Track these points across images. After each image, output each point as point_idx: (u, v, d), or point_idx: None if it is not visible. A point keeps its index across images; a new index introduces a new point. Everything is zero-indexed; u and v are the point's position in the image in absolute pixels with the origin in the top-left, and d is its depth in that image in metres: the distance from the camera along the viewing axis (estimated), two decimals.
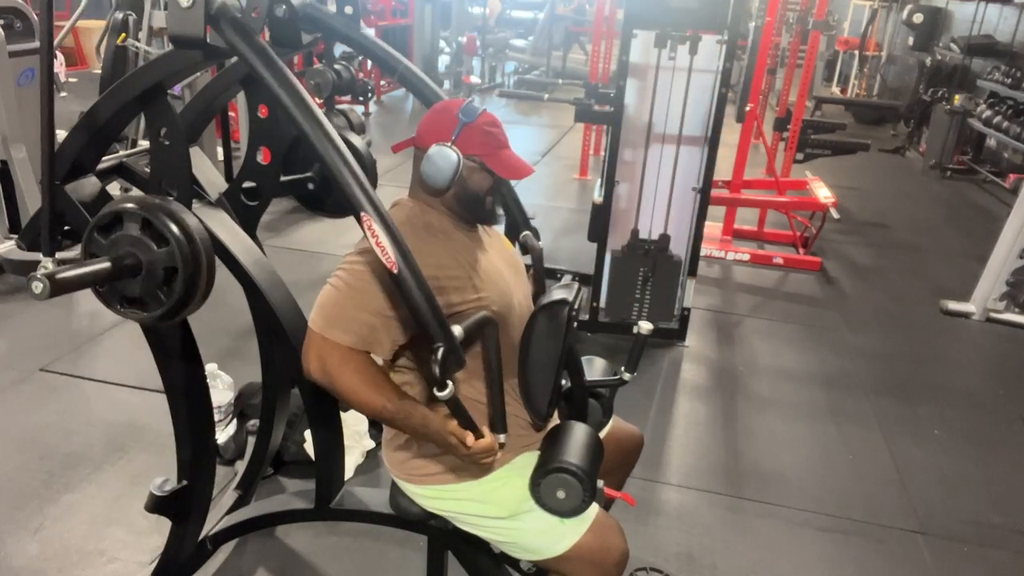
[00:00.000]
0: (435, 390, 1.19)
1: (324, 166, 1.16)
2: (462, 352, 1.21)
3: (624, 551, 1.44)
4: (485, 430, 1.33)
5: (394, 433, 1.49)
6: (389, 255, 1.14)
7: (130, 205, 1.19)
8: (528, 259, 1.64)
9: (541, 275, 1.61)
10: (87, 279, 1.14)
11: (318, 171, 1.94)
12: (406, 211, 1.41)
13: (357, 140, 1.92)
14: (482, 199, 1.41)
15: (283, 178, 1.98)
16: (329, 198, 1.97)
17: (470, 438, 1.30)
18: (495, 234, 1.58)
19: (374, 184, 1.94)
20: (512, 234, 1.67)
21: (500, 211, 1.52)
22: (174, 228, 1.18)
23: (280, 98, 1.15)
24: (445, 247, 1.37)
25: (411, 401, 1.33)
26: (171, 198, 1.36)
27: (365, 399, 1.30)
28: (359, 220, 1.15)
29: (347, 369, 1.28)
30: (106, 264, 1.16)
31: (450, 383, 1.19)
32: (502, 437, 1.37)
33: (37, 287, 1.06)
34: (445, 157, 1.32)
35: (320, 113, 1.17)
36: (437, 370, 1.17)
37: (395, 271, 1.15)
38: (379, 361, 1.37)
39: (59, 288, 1.08)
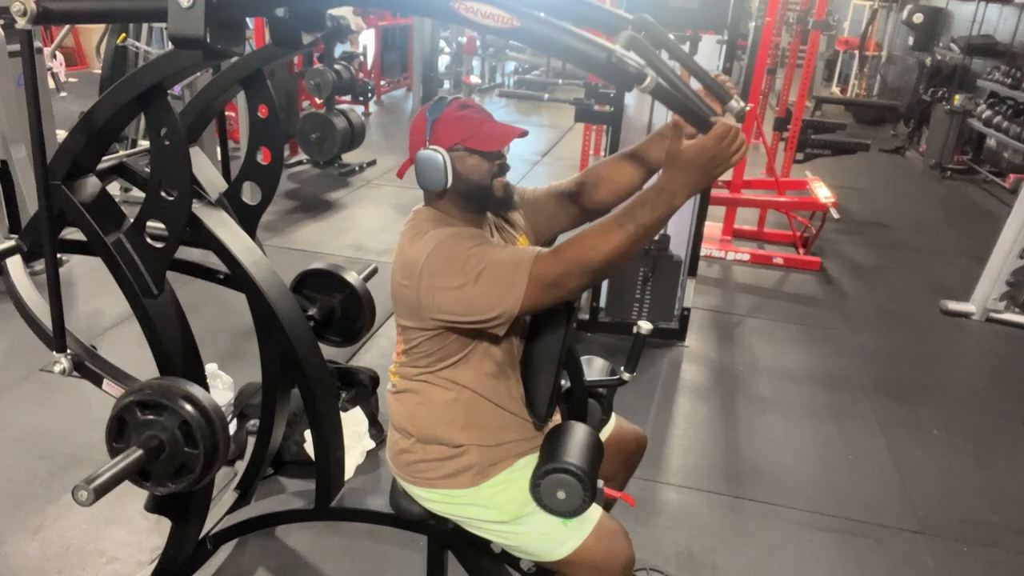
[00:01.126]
0: (637, 86, 1.02)
1: None
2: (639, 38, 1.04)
3: (629, 557, 1.44)
4: (712, 118, 1.12)
5: (399, 436, 1.49)
6: (503, 15, 0.99)
7: (123, 402, 1.29)
8: None
9: (689, 62, 1.49)
10: (126, 472, 1.23)
11: (321, 308, 2.00)
12: (432, 214, 1.39)
13: (353, 278, 2.01)
14: (487, 185, 1.37)
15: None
16: (328, 331, 2.05)
17: (717, 122, 1.10)
18: (510, 235, 1.55)
19: (371, 323, 2.03)
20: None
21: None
22: (161, 399, 1.28)
23: None
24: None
25: (628, 202, 1.19)
26: (170, 199, 1.36)
27: (612, 245, 1.17)
28: (453, 11, 1.00)
29: (567, 257, 1.19)
30: (139, 452, 1.25)
31: (648, 71, 1.02)
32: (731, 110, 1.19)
33: (82, 496, 1.16)
34: (429, 159, 1.32)
35: None
36: (631, 68, 1.01)
37: (518, 24, 0.99)
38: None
39: (102, 492, 1.18)
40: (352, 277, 2.00)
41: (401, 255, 1.35)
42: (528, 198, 1.57)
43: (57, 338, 1.46)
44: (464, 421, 1.42)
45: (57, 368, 1.47)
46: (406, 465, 1.48)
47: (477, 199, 1.38)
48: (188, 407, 1.27)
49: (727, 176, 4.88)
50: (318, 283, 2.01)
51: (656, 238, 3.33)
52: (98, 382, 1.52)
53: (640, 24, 1.14)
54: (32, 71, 1.22)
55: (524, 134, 1.35)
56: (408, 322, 1.38)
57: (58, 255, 2.40)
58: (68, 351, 1.49)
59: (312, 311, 1.97)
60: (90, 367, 1.53)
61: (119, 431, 1.30)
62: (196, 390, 1.30)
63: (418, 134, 1.36)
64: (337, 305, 2.01)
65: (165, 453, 1.28)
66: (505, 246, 1.28)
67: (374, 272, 2.15)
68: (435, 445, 1.43)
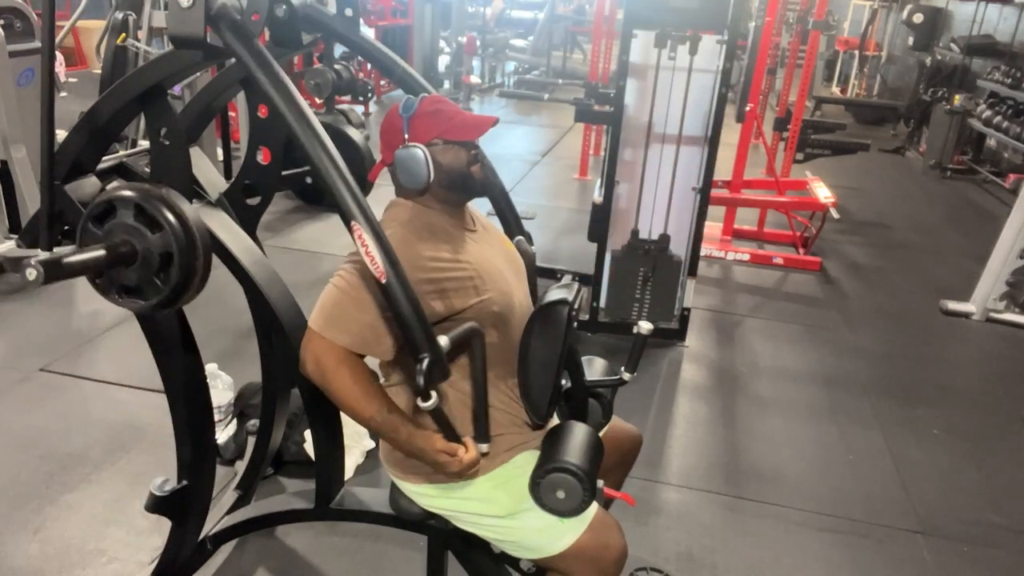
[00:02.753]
0: (419, 400, 1.20)
1: (315, 171, 1.16)
2: (447, 364, 1.22)
3: (623, 549, 1.44)
4: (468, 441, 1.35)
5: None
6: (379, 265, 1.15)
7: (124, 193, 1.18)
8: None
9: (533, 280, 1.61)
10: (81, 266, 1.13)
11: None
12: (408, 211, 1.41)
13: (356, 134, 1.93)
14: (467, 173, 1.40)
15: (282, 172, 1.99)
16: (328, 192, 1.98)
17: (461, 450, 1.32)
18: (495, 232, 1.58)
19: (369, 186, 1.96)
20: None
21: (496, 180, 1.54)
22: (168, 214, 1.16)
23: (274, 101, 1.15)
24: (447, 247, 1.37)
25: (400, 416, 1.34)
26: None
27: (356, 404, 1.31)
28: (349, 229, 1.16)
29: (343, 371, 1.29)
30: (100, 252, 1.15)
31: (434, 394, 1.20)
32: (484, 447, 1.38)
33: (31, 273, 1.05)
34: (409, 156, 1.34)
35: (313, 118, 1.17)
36: (422, 381, 1.17)
37: (383, 281, 1.15)
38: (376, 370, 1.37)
39: (53, 275, 1.07)
40: (351, 131, 1.96)
41: None
42: None
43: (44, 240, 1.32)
44: (459, 416, 1.41)
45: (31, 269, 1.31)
46: (397, 461, 1.48)
47: (459, 187, 1.42)
48: (134, 193, 1.16)
49: (727, 176, 4.88)
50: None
51: (656, 238, 3.33)
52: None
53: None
54: (51, 91, 1.21)
55: (497, 121, 1.42)
56: None
57: None
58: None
59: (307, 168, 1.93)
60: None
61: (101, 216, 1.19)
62: (139, 183, 1.21)
63: (394, 134, 1.38)
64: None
65: (137, 253, 1.17)
66: (375, 305, 1.30)
67: (368, 137, 2.09)
68: (414, 458, 1.43)
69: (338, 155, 1.17)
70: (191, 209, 1.20)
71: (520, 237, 1.64)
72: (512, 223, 1.67)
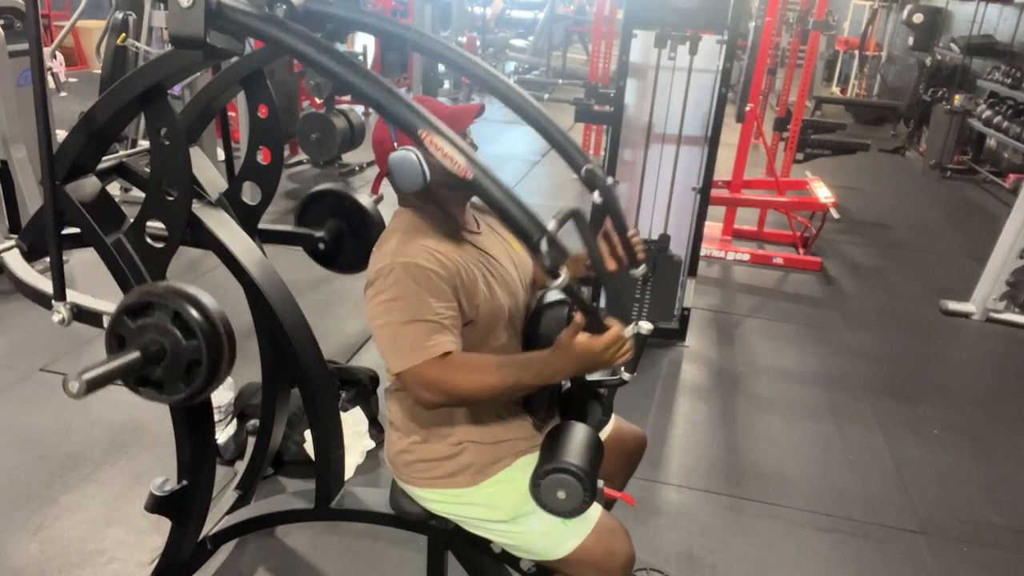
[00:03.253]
0: (549, 281, 1.12)
1: (368, 101, 1.11)
2: (563, 243, 1.14)
3: (630, 555, 1.44)
4: (610, 320, 1.26)
5: (397, 436, 1.49)
6: (459, 163, 1.08)
7: (163, 294, 1.21)
8: (596, 197, 1.48)
9: (617, 212, 1.53)
10: (119, 372, 1.17)
11: (330, 230, 1.96)
12: (409, 219, 1.40)
13: (365, 200, 1.96)
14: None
15: (295, 229, 2.01)
16: (339, 257, 2.01)
17: (614, 327, 1.23)
18: (500, 233, 1.56)
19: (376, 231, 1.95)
20: (572, 169, 1.54)
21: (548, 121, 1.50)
22: (204, 323, 1.19)
23: (308, 55, 1.10)
24: (454, 249, 1.36)
25: (521, 357, 1.31)
26: (170, 200, 1.36)
27: (486, 384, 1.27)
28: (418, 138, 1.09)
29: (452, 374, 1.27)
30: (136, 355, 1.19)
31: (564, 270, 1.12)
32: (630, 329, 1.30)
33: (73, 387, 1.09)
34: (402, 159, 1.31)
35: (352, 59, 1.14)
36: (547, 262, 1.10)
37: (470, 176, 1.08)
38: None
39: (94, 386, 1.11)
40: (362, 198, 1.96)
41: (373, 256, 1.38)
42: None
43: (57, 286, 1.40)
44: (463, 419, 1.42)
45: (56, 318, 1.41)
46: (404, 465, 1.48)
47: (459, 184, 1.39)
48: (177, 299, 1.20)
49: (727, 176, 4.89)
50: (325, 205, 1.96)
51: (656, 238, 3.33)
52: (100, 322, 1.44)
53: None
54: (43, 92, 1.21)
55: (482, 109, 1.41)
56: None
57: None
58: (67, 300, 1.43)
59: (321, 234, 1.93)
60: (88, 309, 1.46)
61: (119, 347, 1.23)
62: (183, 285, 1.24)
63: (383, 141, 1.37)
64: (346, 226, 1.96)
65: (167, 355, 1.21)
66: (424, 305, 1.28)
67: (380, 199, 2.09)
68: (433, 444, 1.44)
69: (386, 81, 1.13)
70: (221, 313, 1.24)
71: (589, 165, 1.51)
72: (574, 153, 1.55)
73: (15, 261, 1.63)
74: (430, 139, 1.08)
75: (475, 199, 1.48)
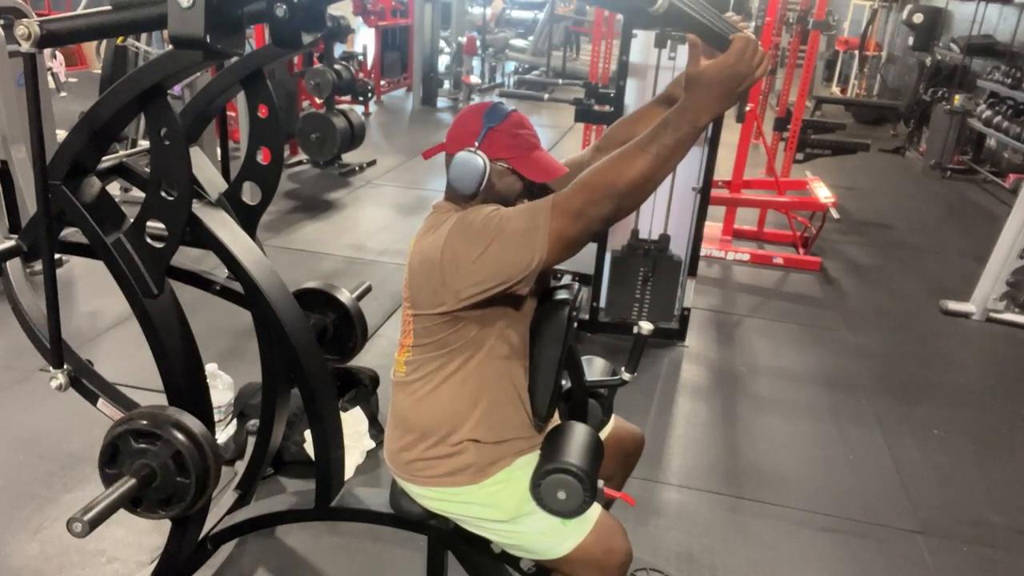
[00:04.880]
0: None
1: None
2: None
3: (628, 553, 1.44)
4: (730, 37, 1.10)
5: (397, 434, 1.49)
6: None
7: (116, 431, 1.31)
8: None
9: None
10: (119, 502, 1.25)
11: (313, 325, 2.01)
12: (454, 208, 1.38)
13: (346, 297, 2.01)
14: (513, 202, 1.38)
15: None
16: (322, 348, 2.04)
17: (734, 37, 1.08)
18: None
19: (363, 342, 2.04)
20: None
21: None
22: (156, 429, 1.30)
23: None
24: None
25: (650, 128, 1.16)
26: (170, 199, 1.36)
27: (636, 169, 1.14)
28: None
29: (591, 186, 1.16)
30: (132, 481, 1.28)
31: None
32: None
33: (77, 527, 1.17)
34: (470, 163, 1.31)
35: None
36: None
37: None
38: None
39: (97, 523, 1.19)
40: (344, 296, 2.01)
41: (422, 240, 1.36)
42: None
43: (54, 353, 1.46)
44: (468, 414, 1.41)
45: (54, 383, 1.49)
46: (404, 464, 1.49)
47: (497, 200, 1.39)
48: (181, 437, 1.30)
49: (727, 176, 4.89)
50: (312, 301, 2.01)
51: (656, 238, 3.32)
52: (93, 400, 1.55)
53: None
54: (35, 87, 1.22)
55: (567, 172, 1.36)
56: (427, 309, 1.36)
57: (58, 256, 2.40)
58: (65, 367, 1.50)
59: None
60: (86, 385, 1.56)
61: (112, 457, 1.32)
62: (189, 420, 1.33)
63: (468, 133, 1.35)
64: (330, 324, 2.01)
65: (157, 482, 1.31)
66: (509, 211, 1.26)
67: (367, 291, 2.15)
68: (433, 443, 1.43)
69: None
70: (172, 411, 1.34)
71: None
72: None
73: (26, 302, 1.67)
74: None
75: None
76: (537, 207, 1.22)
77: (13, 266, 1.69)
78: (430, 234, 1.34)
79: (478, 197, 1.35)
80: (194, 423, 1.32)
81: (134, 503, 1.32)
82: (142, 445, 1.30)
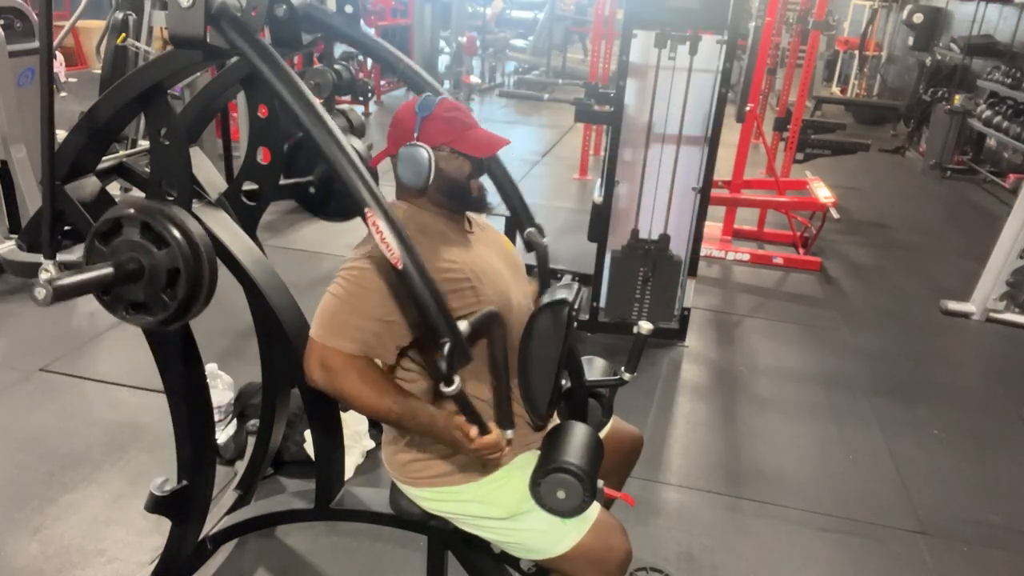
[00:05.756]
0: (442, 386, 1.20)
1: (328, 163, 1.15)
2: (468, 348, 1.21)
3: (627, 552, 1.44)
4: (492, 425, 1.33)
5: (395, 435, 1.49)
6: (395, 251, 1.14)
7: (129, 210, 1.20)
8: (533, 257, 1.62)
9: (545, 273, 1.61)
10: (89, 285, 1.14)
11: (319, 175, 1.93)
12: (403, 213, 1.40)
13: (358, 144, 1.93)
14: (466, 185, 1.41)
15: (284, 181, 1.98)
16: (331, 202, 1.98)
17: (474, 431, 1.29)
18: (494, 233, 1.57)
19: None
20: (516, 231, 1.66)
21: (493, 201, 1.51)
22: (174, 231, 1.18)
23: (283, 96, 1.15)
24: (442, 249, 1.37)
25: (416, 400, 1.33)
26: (170, 199, 1.37)
27: (370, 403, 1.30)
28: (363, 217, 1.15)
29: (350, 375, 1.29)
30: (108, 270, 1.16)
31: (457, 379, 1.19)
32: (509, 433, 1.36)
33: (40, 293, 1.06)
34: (414, 155, 1.34)
35: (323, 111, 1.17)
36: (444, 366, 1.17)
37: (400, 267, 1.14)
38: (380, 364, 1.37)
39: (61, 294, 1.08)
40: (353, 139, 1.93)
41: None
42: None
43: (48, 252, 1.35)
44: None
45: (44, 276, 1.31)
46: (401, 466, 1.49)
47: (455, 198, 1.41)
48: (140, 210, 1.18)
49: (727, 176, 4.88)
50: (312, 151, 1.97)
51: (656, 238, 3.32)
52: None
53: None
54: (50, 88, 1.22)
55: (508, 143, 1.41)
56: None
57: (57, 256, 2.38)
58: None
59: (311, 178, 1.91)
60: (76, 262, 1.37)
61: (107, 234, 1.21)
62: (143, 200, 1.24)
63: (404, 129, 1.38)
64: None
65: (144, 269, 1.19)
66: (373, 307, 1.30)
67: (371, 146, 2.07)
68: (429, 443, 1.43)
69: (348, 144, 1.16)
70: (196, 225, 1.22)
71: (531, 228, 1.62)
72: (523, 215, 1.64)
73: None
74: (373, 221, 1.14)
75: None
76: (340, 325, 1.29)
77: None
78: (356, 250, 1.38)
79: (432, 186, 1.37)
80: (155, 201, 1.22)
81: (143, 309, 1.23)
82: (114, 242, 1.20)
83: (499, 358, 1.35)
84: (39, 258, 1.25)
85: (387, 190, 1.46)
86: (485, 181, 1.49)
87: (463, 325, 1.20)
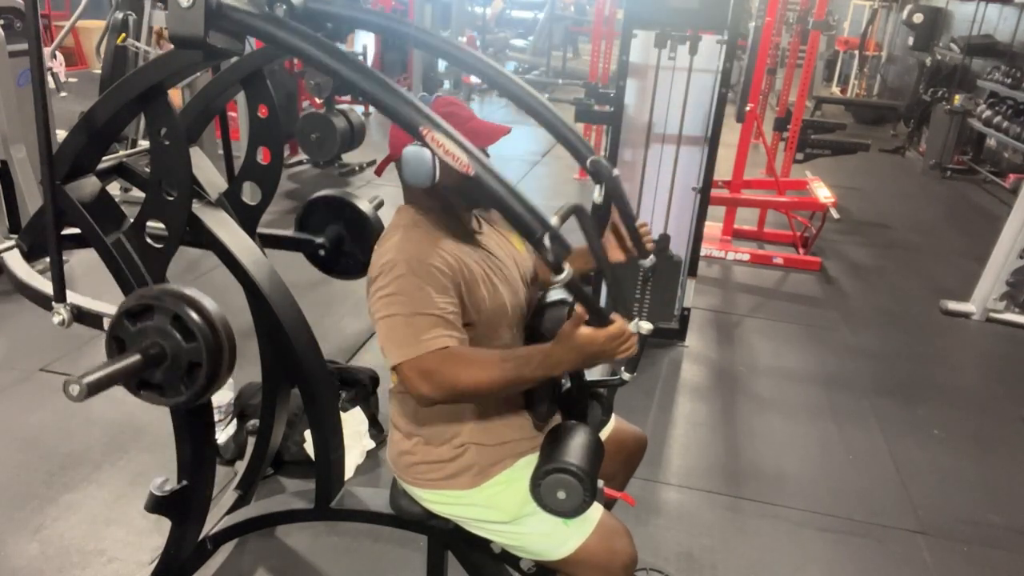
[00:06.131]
0: (553, 276, 1.12)
1: (370, 99, 1.10)
2: (565, 238, 1.13)
3: (631, 555, 1.44)
4: (614, 316, 1.23)
5: (399, 437, 1.49)
6: (462, 159, 1.07)
7: (164, 298, 1.21)
8: (597, 194, 1.52)
9: (623, 203, 1.55)
10: (119, 375, 1.17)
11: (330, 236, 1.96)
12: (411, 215, 1.40)
13: (365, 206, 1.96)
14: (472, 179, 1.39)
15: (296, 234, 2.01)
16: (339, 261, 2.01)
17: (597, 331, 1.20)
18: (502, 231, 1.56)
19: (375, 237, 1.98)
20: (578, 161, 1.54)
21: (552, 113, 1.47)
22: (204, 326, 1.20)
23: (306, 52, 1.10)
24: (452, 250, 1.36)
25: (519, 349, 1.29)
26: (170, 199, 1.36)
27: (486, 377, 1.25)
28: (420, 135, 1.09)
29: (449, 366, 1.25)
30: (136, 357, 1.19)
31: (567, 266, 1.11)
32: (636, 323, 1.27)
33: (74, 390, 1.09)
34: (417, 155, 1.31)
35: (352, 57, 1.13)
36: (551, 256, 1.10)
37: (472, 172, 1.07)
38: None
39: (94, 390, 1.11)
40: (362, 204, 1.96)
41: (375, 253, 1.37)
42: None
43: (57, 288, 1.40)
44: (464, 420, 1.42)
45: (56, 319, 1.41)
46: (406, 467, 1.49)
47: (464, 192, 1.39)
48: (175, 301, 1.21)
49: (727, 176, 4.89)
50: (326, 211, 1.97)
51: (656, 238, 3.32)
52: (100, 324, 1.45)
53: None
54: (42, 83, 1.21)
55: (509, 131, 1.38)
56: None
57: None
58: (67, 302, 1.43)
59: (321, 240, 1.93)
60: (89, 311, 1.46)
61: (136, 315, 1.23)
62: (180, 287, 1.24)
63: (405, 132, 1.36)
64: (346, 233, 1.96)
65: (167, 358, 1.21)
66: (427, 299, 1.28)
67: (381, 204, 2.10)
68: (436, 446, 1.44)
69: (385, 78, 1.11)
70: (221, 316, 1.24)
71: (595, 158, 1.51)
72: (579, 145, 1.52)
73: (15, 262, 1.63)
74: (431, 135, 1.07)
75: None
76: (421, 340, 1.25)
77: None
78: (380, 246, 1.36)
79: (438, 185, 1.32)
80: (187, 288, 1.23)
81: (160, 392, 1.24)
82: (141, 325, 1.22)
83: (596, 248, 1.30)
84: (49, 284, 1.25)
85: (393, 191, 1.47)
86: (527, 134, 1.43)
87: (554, 219, 1.13)
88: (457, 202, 1.41)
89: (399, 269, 1.29)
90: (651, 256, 1.52)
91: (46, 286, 1.48)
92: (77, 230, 1.40)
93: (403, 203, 1.45)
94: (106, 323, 1.39)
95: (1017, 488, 2.63)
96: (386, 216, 1.41)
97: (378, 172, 1.50)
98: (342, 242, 1.96)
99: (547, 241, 1.09)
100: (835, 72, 11.61)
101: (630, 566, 1.43)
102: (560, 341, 1.21)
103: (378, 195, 2.20)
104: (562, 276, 1.11)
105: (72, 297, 1.43)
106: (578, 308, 1.23)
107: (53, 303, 1.41)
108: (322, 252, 1.96)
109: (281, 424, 2.09)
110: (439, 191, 1.37)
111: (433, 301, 1.27)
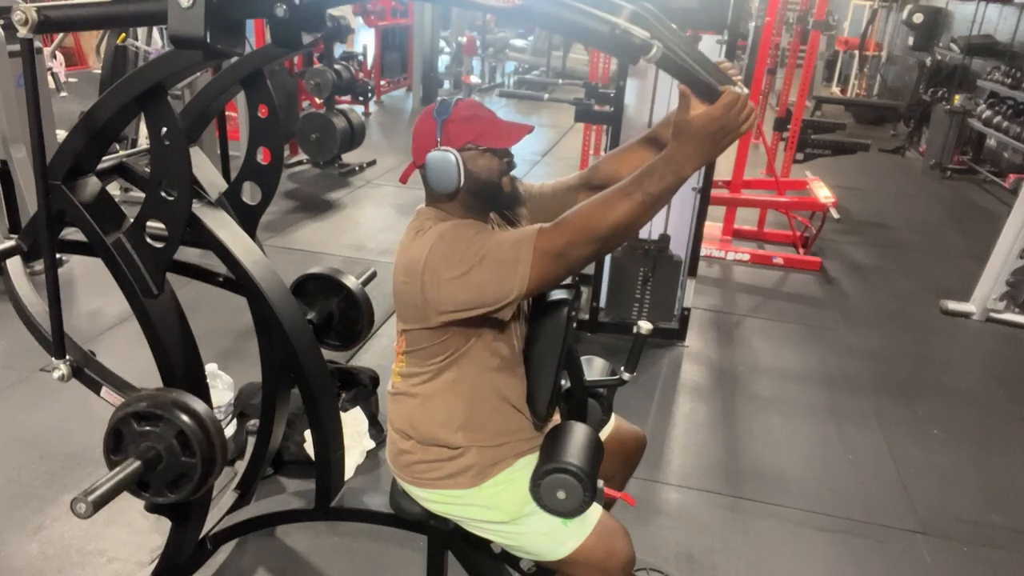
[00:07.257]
0: (644, 58, 1.04)
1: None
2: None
3: (630, 556, 1.44)
4: (722, 88, 1.10)
5: (399, 437, 1.49)
6: None
7: (177, 412, 1.29)
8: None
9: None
10: (122, 486, 1.24)
11: (319, 311, 2.00)
12: (435, 213, 1.39)
13: (353, 283, 2.00)
14: (497, 182, 1.37)
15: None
16: (328, 336, 2.05)
17: (725, 91, 1.08)
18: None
19: (370, 327, 2.03)
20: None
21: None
22: (203, 441, 1.29)
23: None
24: None
25: (636, 173, 1.18)
26: (170, 199, 1.36)
27: (615, 212, 1.16)
28: None
29: (572, 231, 1.19)
30: (136, 464, 1.27)
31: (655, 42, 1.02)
32: (737, 88, 1.11)
33: (80, 508, 1.16)
34: (442, 160, 1.31)
35: None
36: (636, 36, 1.02)
37: (519, 2, 1.01)
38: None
39: (100, 504, 1.18)
40: (350, 281, 2.00)
41: (403, 255, 1.35)
42: (535, 193, 1.56)
43: (56, 344, 1.46)
44: (463, 422, 1.42)
45: (56, 374, 1.48)
46: (406, 466, 1.49)
47: (487, 197, 1.38)
48: (184, 417, 1.28)
49: (727, 176, 4.89)
50: (316, 287, 2.01)
51: (656, 238, 3.32)
52: (96, 389, 1.53)
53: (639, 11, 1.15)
54: (33, 76, 1.22)
55: (532, 130, 1.37)
56: (412, 324, 1.37)
57: (58, 255, 2.40)
58: (67, 357, 1.49)
59: (311, 315, 1.97)
60: (88, 374, 1.53)
61: (116, 443, 1.31)
62: (191, 400, 1.31)
63: (426, 136, 1.35)
64: (335, 309, 2.01)
65: (163, 464, 1.30)
66: (507, 229, 1.27)
67: (372, 276, 2.15)
68: (435, 446, 1.44)
69: None
70: (221, 434, 1.32)
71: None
72: None
73: (26, 296, 1.66)
74: None
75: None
76: (521, 241, 1.23)
77: (12, 263, 1.69)
78: (412, 246, 1.33)
79: (463, 189, 1.34)
80: (197, 403, 1.32)
81: (142, 487, 1.32)
82: (145, 428, 1.29)
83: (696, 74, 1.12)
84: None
85: (393, 191, 1.46)
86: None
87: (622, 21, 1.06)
88: (479, 205, 1.40)
89: (451, 234, 1.28)
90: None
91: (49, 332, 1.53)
92: (77, 231, 1.41)
93: (424, 205, 1.44)
94: (103, 392, 1.51)
95: (1017, 488, 2.63)
96: (390, 221, 1.40)
97: (403, 179, 1.49)
98: (331, 318, 2.01)
99: (619, 31, 1.02)
100: (835, 72, 11.62)
101: (628, 566, 1.43)
102: (677, 135, 1.12)
103: (372, 267, 2.26)
104: (652, 53, 1.03)
105: (71, 352, 1.53)
106: (681, 88, 1.11)
107: (53, 359, 1.49)
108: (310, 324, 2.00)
109: (281, 424, 2.09)
110: (462, 194, 1.36)
111: (493, 230, 1.27)
